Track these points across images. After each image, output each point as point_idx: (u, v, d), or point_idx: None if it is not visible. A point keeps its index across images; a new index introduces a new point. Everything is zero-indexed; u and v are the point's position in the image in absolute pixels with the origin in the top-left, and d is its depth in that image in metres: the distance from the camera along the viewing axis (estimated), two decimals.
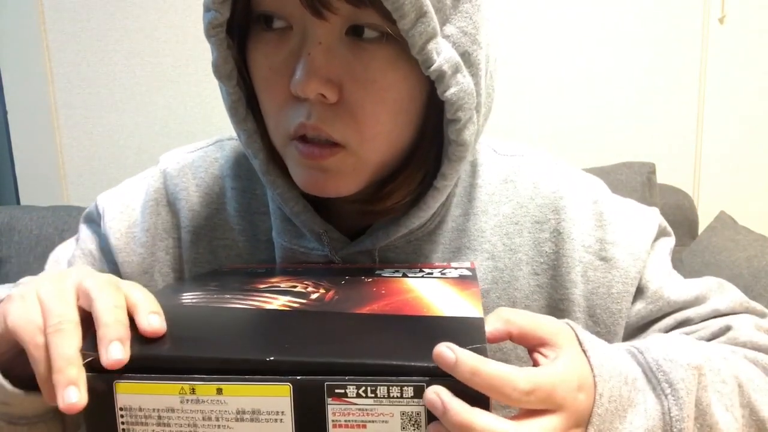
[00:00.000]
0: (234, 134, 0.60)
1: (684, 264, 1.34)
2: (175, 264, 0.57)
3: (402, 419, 0.31)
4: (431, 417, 0.30)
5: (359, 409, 0.30)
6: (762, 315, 0.54)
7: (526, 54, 1.59)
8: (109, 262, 0.57)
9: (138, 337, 0.34)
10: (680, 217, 1.46)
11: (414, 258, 0.53)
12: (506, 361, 0.54)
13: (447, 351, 0.30)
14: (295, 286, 0.43)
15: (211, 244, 0.57)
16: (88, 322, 0.34)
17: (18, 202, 1.67)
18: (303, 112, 0.43)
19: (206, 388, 0.31)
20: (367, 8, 0.39)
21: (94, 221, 0.59)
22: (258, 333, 0.35)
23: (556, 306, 0.54)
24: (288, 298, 0.40)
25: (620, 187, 1.39)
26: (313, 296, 0.40)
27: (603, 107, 1.60)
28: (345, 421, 0.31)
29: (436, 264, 0.52)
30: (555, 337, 0.37)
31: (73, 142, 1.65)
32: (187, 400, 0.31)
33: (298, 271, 0.49)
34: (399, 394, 0.30)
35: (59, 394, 0.31)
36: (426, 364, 0.30)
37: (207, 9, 0.42)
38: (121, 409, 0.32)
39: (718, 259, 1.26)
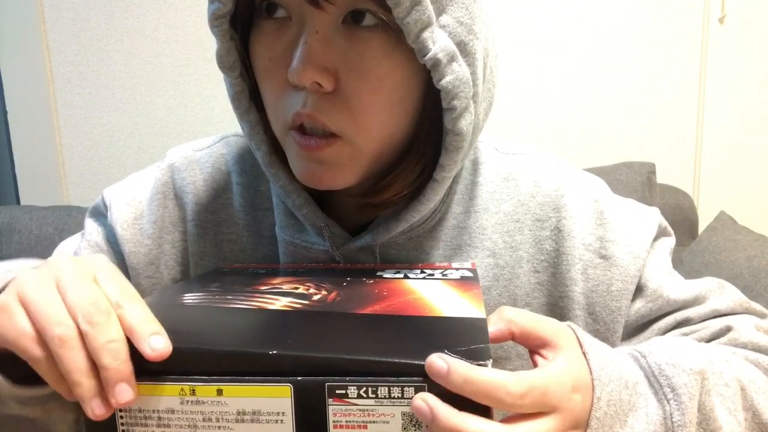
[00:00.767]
0: (239, 130, 0.60)
1: (684, 264, 1.34)
2: (181, 257, 0.58)
3: (403, 419, 0.30)
4: None
5: (360, 410, 0.30)
6: (762, 315, 0.54)
7: (526, 54, 1.58)
8: (116, 252, 0.57)
9: None
10: (680, 217, 1.46)
11: (415, 255, 0.53)
12: (507, 359, 0.54)
13: (439, 361, 0.30)
14: (297, 288, 0.43)
15: (216, 238, 0.57)
16: None
17: (18, 202, 1.67)
18: (299, 100, 0.43)
19: (206, 389, 0.31)
20: None
21: (101, 214, 0.60)
22: (260, 330, 0.35)
23: (556, 303, 0.54)
24: (290, 299, 0.40)
25: (620, 187, 1.39)
26: (315, 297, 0.40)
27: (603, 107, 1.60)
28: (346, 421, 0.31)
29: (437, 265, 0.52)
30: (556, 338, 0.37)
31: (73, 142, 1.65)
32: (188, 401, 0.31)
33: (300, 272, 0.49)
34: (400, 395, 0.30)
35: (86, 407, 0.31)
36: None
37: (211, 0, 0.43)
38: (121, 410, 0.32)
39: (718, 259, 1.26)
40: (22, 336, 0.32)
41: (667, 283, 0.54)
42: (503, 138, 0.61)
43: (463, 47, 0.43)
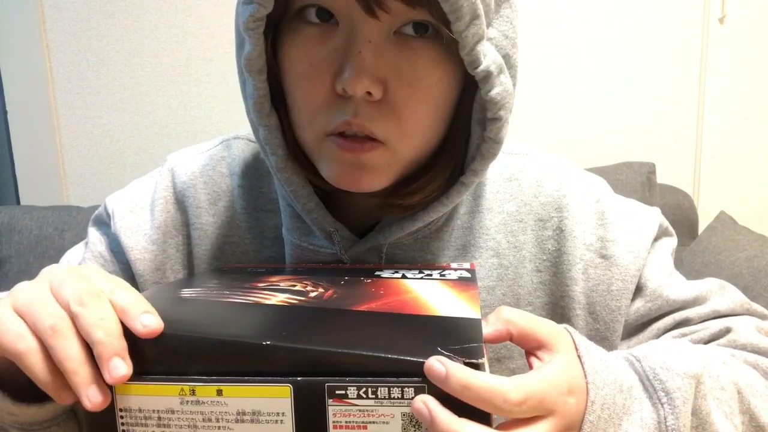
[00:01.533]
0: (239, 134, 0.61)
1: (684, 264, 1.34)
2: (186, 261, 0.58)
3: (403, 420, 0.30)
4: None
5: (360, 410, 0.30)
6: (763, 317, 0.54)
7: (526, 54, 1.58)
8: (120, 262, 0.57)
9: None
10: (680, 217, 1.46)
11: (421, 255, 0.53)
12: (510, 357, 0.54)
13: (437, 365, 0.30)
14: (294, 285, 0.43)
15: (218, 241, 0.57)
16: None
17: (18, 202, 1.67)
18: (348, 110, 0.43)
19: (206, 390, 0.31)
20: (422, 8, 0.40)
21: (104, 223, 0.59)
22: (255, 322, 0.35)
23: (558, 303, 0.54)
24: (287, 295, 0.40)
25: (620, 187, 1.39)
26: (312, 294, 0.40)
27: (603, 107, 1.60)
28: (346, 422, 0.31)
29: (436, 265, 0.52)
30: (552, 340, 0.37)
31: (73, 142, 1.65)
32: (187, 401, 0.31)
33: (298, 271, 0.49)
34: (400, 395, 0.30)
35: (83, 397, 0.31)
36: (423, 360, 0.30)
37: (249, 1, 0.41)
38: (121, 410, 0.32)
39: (718, 259, 1.26)
40: (19, 339, 0.32)
41: (668, 283, 0.54)
42: (505, 138, 0.61)
43: (508, 60, 0.44)
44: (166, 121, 1.63)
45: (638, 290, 0.54)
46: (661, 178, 1.50)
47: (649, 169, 1.45)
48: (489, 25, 0.43)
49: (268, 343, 0.31)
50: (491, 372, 0.32)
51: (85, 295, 0.32)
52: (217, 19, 1.57)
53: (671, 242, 0.57)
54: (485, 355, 0.32)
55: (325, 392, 0.30)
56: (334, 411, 0.31)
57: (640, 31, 1.57)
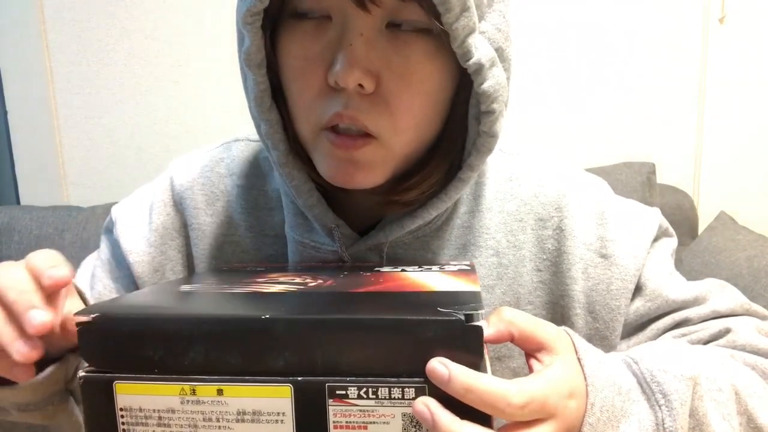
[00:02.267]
0: (239, 136, 0.61)
1: (684, 264, 1.34)
2: (186, 261, 0.59)
3: (403, 420, 0.30)
4: None
5: (360, 410, 0.30)
6: (763, 317, 0.54)
7: (526, 53, 1.58)
8: (123, 267, 0.58)
9: (131, 306, 0.35)
10: (680, 217, 1.46)
11: (422, 254, 0.54)
12: (510, 356, 0.54)
13: (440, 367, 0.30)
14: (293, 279, 0.43)
15: (218, 241, 0.58)
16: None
17: (18, 202, 1.67)
18: (339, 102, 0.43)
19: (207, 389, 0.31)
20: (412, 1, 0.41)
21: (109, 230, 0.61)
22: (255, 304, 0.36)
23: (557, 302, 0.55)
24: (286, 286, 0.40)
25: (620, 187, 1.39)
26: (311, 285, 0.41)
27: (603, 107, 1.60)
28: (346, 422, 0.31)
29: (436, 262, 0.52)
30: (553, 342, 0.37)
31: (73, 142, 1.65)
32: (188, 401, 0.31)
33: (298, 269, 0.49)
34: (400, 396, 0.30)
35: (11, 351, 0.33)
36: (427, 317, 0.30)
37: None
38: (121, 409, 0.32)
39: (718, 259, 1.26)
40: None
41: (667, 283, 0.54)
42: (505, 138, 0.61)
43: (501, 53, 0.44)
44: (166, 121, 1.63)
45: (638, 290, 0.54)
46: (661, 178, 1.49)
47: (649, 169, 1.45)
48: (482, 18, 0.43)
49: (268, 316, 0.31)
50: (492, 371, 0.32)
51: (3, 267, 0.35)
52: (217, 19, 1.57)
53: (671, 243, 0.57)
54: (486, 354, 0.32)
55: (325, 392, 0.30)
56: (334, 411, 0.31)
57: (640, 31, 1.57)
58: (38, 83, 1.61)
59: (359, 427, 0.31)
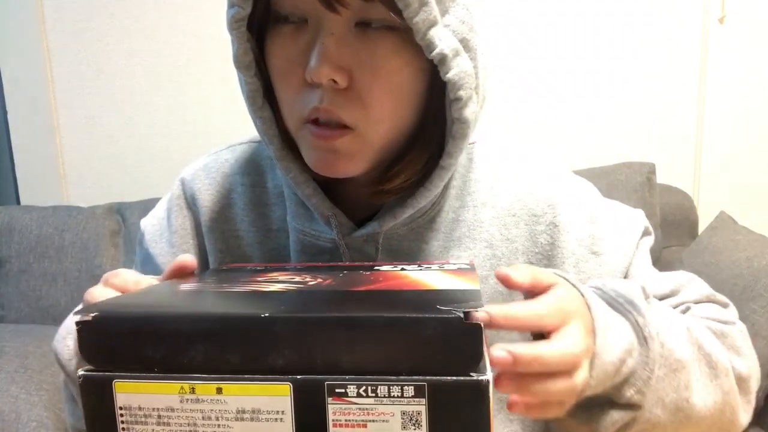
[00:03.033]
0: (242, 139, 0.66)
1: (684, 264, 1.34)
2: (203, 258, 0.63)
3: (403, 418, 0.30)
4: (432, 416, 0.30)
5: (360, 409, 0.30)
6: (724, 305, 0.57)
7: (526, 53, 1.59)
8: (159, 273, 0.60)
9: (130, 305, 0.35)
10: (680, 217, 1.46)
11: (416, 245, 0.56)
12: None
13: (499, 351, 0.34)
14: (293, 278, 0.43)
15: (224, 236, 0.61)
16: None
17: (18, 202, 1.67)
18: (316, 97, 0.47)
19: (206, 388, 0.31)
20: (375, 2, 0.44)
21: (140, 242, 0.67)
22: (254, 302, 0.36)
23: None
24: (285, 285, 0.40)
25: (620, 187, 1.39)
26: (311, 283, 0.41)
27: (603, 107, 1.61)
28: (345, 420, 0.31)
29: (435, 261, 0.53)
30: (557, 279, 0.42)
31: (73, 142, 1.65)
32: (187, 400, 0.31)
33: (297, 269, 0.50)
34: (399, 394, 0.30)
35: None
36: (427, 315, 0.30)
37: (231, 5, 0.47)
38: (120, 408, 0.32)
39: (718, 259, 1.26)
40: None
41: (649, 278, 0.57)
42: (502, 136, 0.63)
43: (465, 43, 0.47)
44: (166, 121, 1.63)
45: None
46: (661, 178, 1.50)
47: (649, 169, 1.45)
48: (445, 12, 0.46)
49: (267, 315, 0.31)
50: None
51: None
52: (217, 19, 1.56)
53: (651, 240, 0.62)
54: (486, 352, 0.32)
55: (324, 390, 0.30)
56: (333, 409, 0.31)
57: (640, 31, 1.57)
58: (38, 83, 1.61)
59: (358, 426, 0.31)
